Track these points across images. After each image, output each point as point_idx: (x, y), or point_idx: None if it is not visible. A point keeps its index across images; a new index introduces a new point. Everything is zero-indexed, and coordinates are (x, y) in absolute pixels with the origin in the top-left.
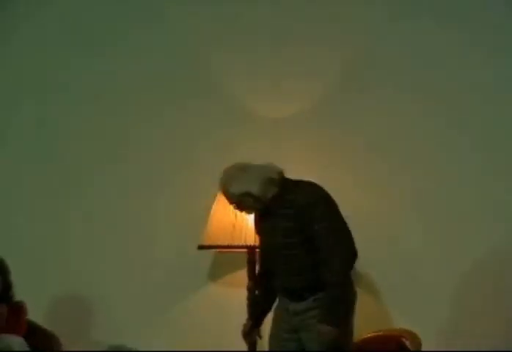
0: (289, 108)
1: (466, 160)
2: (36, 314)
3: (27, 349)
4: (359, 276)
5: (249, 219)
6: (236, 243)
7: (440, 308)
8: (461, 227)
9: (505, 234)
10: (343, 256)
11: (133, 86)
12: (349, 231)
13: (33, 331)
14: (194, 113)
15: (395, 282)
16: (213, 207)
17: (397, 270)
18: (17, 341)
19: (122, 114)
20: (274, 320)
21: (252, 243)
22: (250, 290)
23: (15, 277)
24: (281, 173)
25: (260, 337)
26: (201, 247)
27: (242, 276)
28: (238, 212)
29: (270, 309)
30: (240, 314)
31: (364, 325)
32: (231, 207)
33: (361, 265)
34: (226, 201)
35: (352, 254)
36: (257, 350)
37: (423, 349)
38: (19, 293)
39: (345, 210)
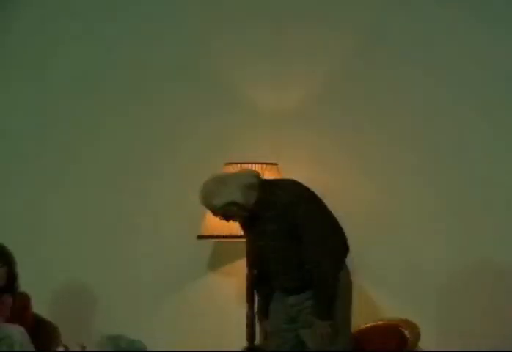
0: (290, 94)
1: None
2: (38, 305)
3: (28, 339)
4: (357, 267)
5: None
6: (235, 233)
7: (439, 299)
8: (466, 222)
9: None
10: (331, 255)
11: (131, 73)
12: (337, 226)
13: (37, 323)
14: (194, 101)
15: (394, 272)
16: None
17: (396, 259)
18: (17, 331)
19: (122, 101)
20: (273, 312)
21: None
22: (249, 279)
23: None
24: (257, 176)
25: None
26: (200, 237)
27: (241, 265)
28: None
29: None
30: (238, 303)
31: (362, 315)
32: None
33: (359, 254)
34: None
35: (340, 251)
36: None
37: (422, 339)
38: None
39: (345, 200)
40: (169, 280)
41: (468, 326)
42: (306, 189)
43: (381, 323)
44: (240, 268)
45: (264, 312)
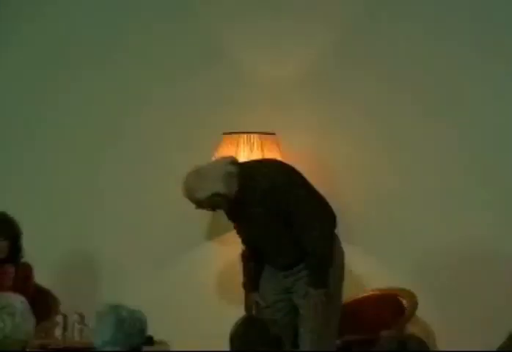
0: (289, 66)
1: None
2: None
3: (28, 309)
4: (350, 233)
5: None
6: None
7: (438, 269)
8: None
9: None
10: (320, 229)
11: (136, 53)
12: (322, 200)
13: (37, 293)
14: (193, 71)
15: (394, 242)
16: None
17: (396, 231)
18: (18, 300)
19: (133, 83)
20: (265, 283)
21: None
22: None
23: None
24: (234, 162)
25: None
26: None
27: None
28: None
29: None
30: (235, 270)
31: (359, 284)
32: None
33: (353, 221)
34: None
35: (329, 224)
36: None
37: (420, 308)
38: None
39: (343, 170)
40: (170, 248)
41: (467, 296)
42: (285, 167)
43: (377, 292)
44: (237, 236)
45: (254, 285)
